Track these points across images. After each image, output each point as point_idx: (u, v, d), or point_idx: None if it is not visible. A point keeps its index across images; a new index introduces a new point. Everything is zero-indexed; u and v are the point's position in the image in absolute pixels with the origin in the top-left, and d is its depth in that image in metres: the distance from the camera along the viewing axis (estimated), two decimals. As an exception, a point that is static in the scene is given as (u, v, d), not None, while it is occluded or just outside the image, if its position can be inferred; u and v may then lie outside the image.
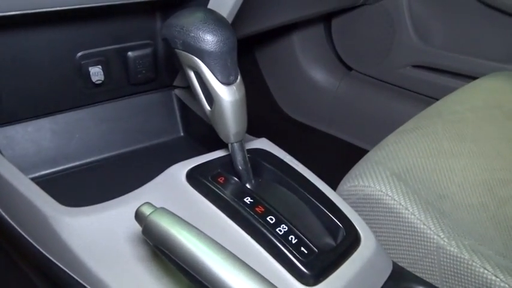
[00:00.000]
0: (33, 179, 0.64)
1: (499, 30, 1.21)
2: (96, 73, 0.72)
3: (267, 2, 1.02)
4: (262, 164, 0.59)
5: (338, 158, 1.44)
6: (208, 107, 0.54)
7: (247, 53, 1.60)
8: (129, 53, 0.75)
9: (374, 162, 0.69)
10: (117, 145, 0.78)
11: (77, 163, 0.75)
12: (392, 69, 1.41)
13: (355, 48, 1.51)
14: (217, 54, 0.50)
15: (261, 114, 1.60)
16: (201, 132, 0.81)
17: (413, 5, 1.33)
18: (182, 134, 0.84)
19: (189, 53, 0.51)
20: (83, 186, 0.71)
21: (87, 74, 0.72)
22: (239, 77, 0.53)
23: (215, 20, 0.51)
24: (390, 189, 0.64)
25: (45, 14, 0.59)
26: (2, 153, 0.67)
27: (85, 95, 0.75)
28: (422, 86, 1.36)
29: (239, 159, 0.55)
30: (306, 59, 1.57)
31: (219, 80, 0.51)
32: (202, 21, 0.50)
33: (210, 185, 0.53)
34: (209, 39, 0.49)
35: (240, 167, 0.56)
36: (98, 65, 0.73)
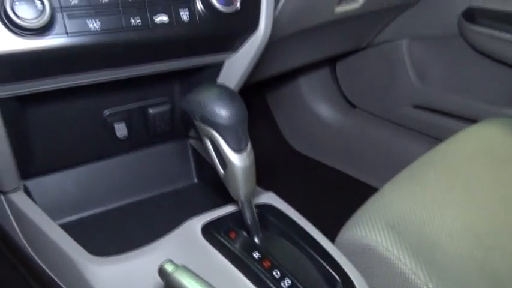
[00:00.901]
0: (61, 225, 0.72)
1: (495, 76, 1.27)
2: (121, 128, 0.80)
3: (276, 54, 1.09)
4: (269, 219, 0.66)
5: (342, 192, 1.50)
6: (222, 171, 0.61)
7: (257, 94, 1.68)
8: (150, 110, 0.82)
9: (371, 212, 0.76)
10: (137, 192, 0.85)
11: (101, 210, 0.82)
12: (394, 108, 1.48)
13: (358, 87, 1.59)
14: (230, 126, 0.57)
15: (270, 149, 1.67)
16: (213, 179, 0.88)
17: (413, 49, 1.39)
18: (196, 180, 0.91)
19: (206, 124, 0.58)
20: (107, 231, 0.78)
21: (112, 130, 0.80)
22: (249, 145, 0.60)
23: (228, 96, 0.58)
24: (385, 239, 0.70)
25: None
26: (35, 202, 0.75)
27: (109, 148, 0.83)
28: (423, 126, 1.42)
29: (248, 215, 0.62)
30: (313, 97, 1.65)
31: (231, 148, 0.58)
32: (217, 98, 0.57)
33: (223, 240, 0.61)
34: (223, 114, 0.57)
35: (249, 222, 0.63)
36: (122, 121, 0.80)
